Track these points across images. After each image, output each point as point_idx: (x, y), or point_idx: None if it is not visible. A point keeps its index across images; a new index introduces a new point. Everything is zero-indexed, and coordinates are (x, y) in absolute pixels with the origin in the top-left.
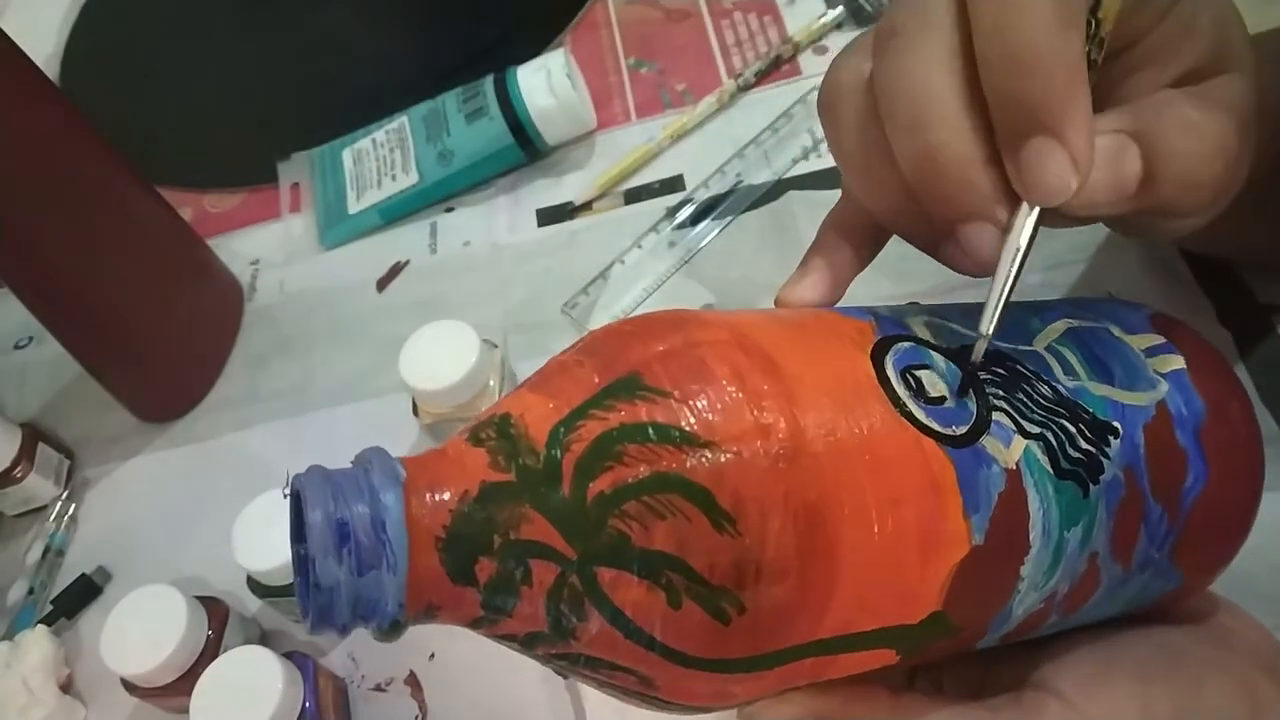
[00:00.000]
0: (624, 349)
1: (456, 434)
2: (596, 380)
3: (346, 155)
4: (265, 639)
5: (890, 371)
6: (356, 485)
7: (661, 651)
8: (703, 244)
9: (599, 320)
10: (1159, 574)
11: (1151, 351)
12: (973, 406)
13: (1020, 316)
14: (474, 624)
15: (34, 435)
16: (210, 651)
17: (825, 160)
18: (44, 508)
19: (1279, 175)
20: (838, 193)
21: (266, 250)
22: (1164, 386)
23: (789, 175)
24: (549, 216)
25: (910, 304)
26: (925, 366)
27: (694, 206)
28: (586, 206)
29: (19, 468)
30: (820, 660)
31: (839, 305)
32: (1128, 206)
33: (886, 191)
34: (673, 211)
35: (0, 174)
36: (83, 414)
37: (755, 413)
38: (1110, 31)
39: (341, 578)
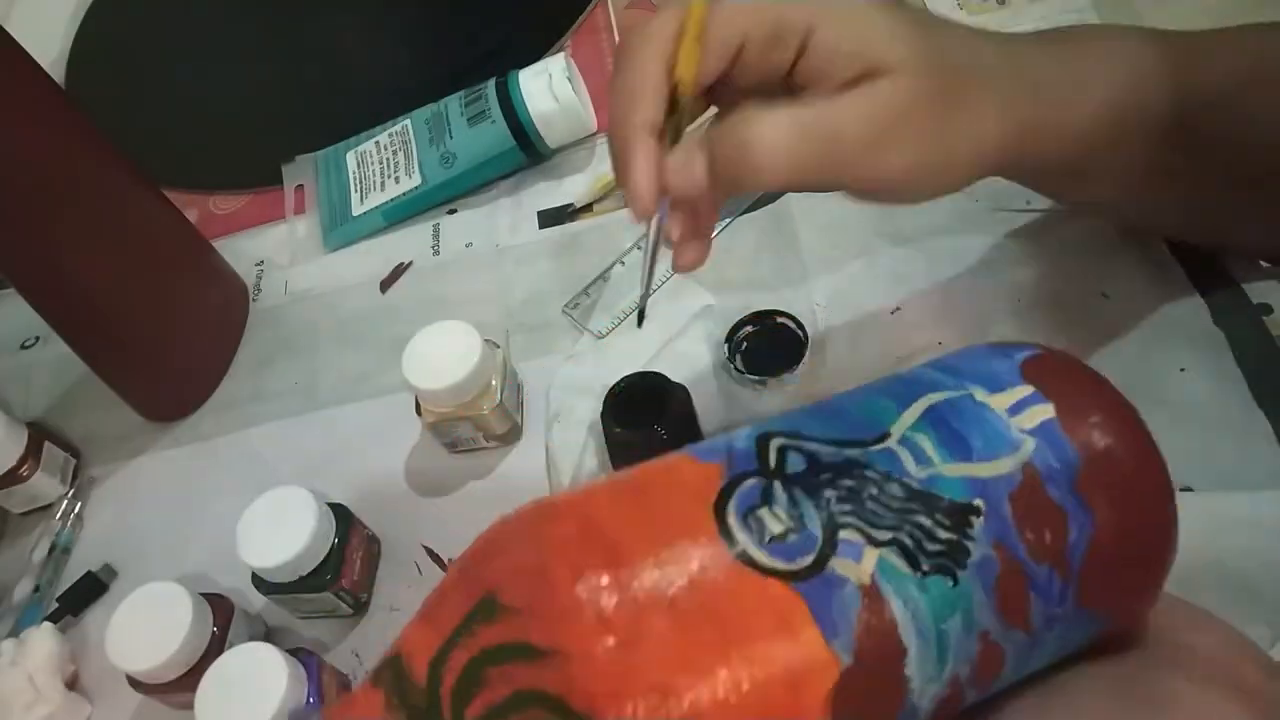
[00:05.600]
0: (485, 567)
1: (369, 674)
2: (465, 603)
3: (350, 158)
4: (270, 635)
5: (732, 519)
6: None
7: None
8: None
9: (600, 321)
10: (1074, 624)
11: (1016, 408)
12: (817, 532)
13: (879, 408)
14: None
15: (40, 434)
16: (215, 648)
17: None
18: (50, 506)
19: (1177, 156)
20: (837, 194)
21: (271, 251)
22: (1029, 445)
23: None
24: (550, 218)
25: (782, 419)
26: (766, 503)
27: None
28: (587, 208)
29: (25, 466)
30: None
31: (701, 445)
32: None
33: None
34: None
35: (7, 176)
36: (88, 413)
37: (594, 611)
38: (695, 86)
39: None
